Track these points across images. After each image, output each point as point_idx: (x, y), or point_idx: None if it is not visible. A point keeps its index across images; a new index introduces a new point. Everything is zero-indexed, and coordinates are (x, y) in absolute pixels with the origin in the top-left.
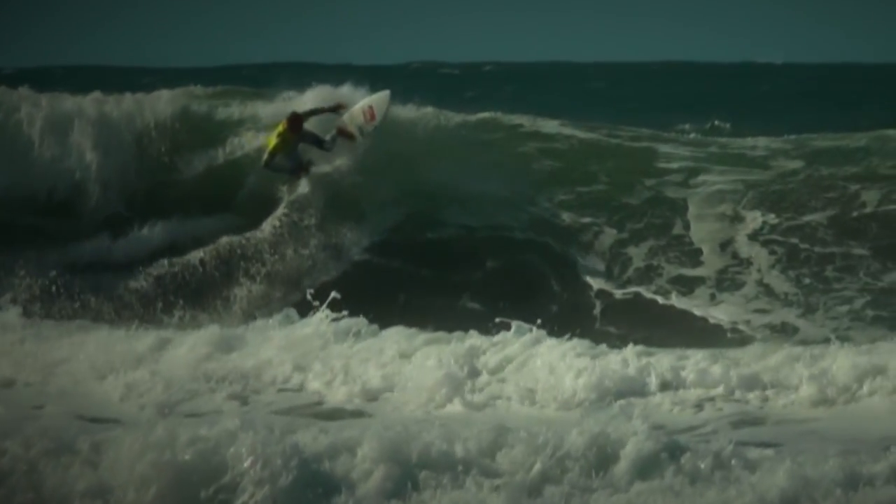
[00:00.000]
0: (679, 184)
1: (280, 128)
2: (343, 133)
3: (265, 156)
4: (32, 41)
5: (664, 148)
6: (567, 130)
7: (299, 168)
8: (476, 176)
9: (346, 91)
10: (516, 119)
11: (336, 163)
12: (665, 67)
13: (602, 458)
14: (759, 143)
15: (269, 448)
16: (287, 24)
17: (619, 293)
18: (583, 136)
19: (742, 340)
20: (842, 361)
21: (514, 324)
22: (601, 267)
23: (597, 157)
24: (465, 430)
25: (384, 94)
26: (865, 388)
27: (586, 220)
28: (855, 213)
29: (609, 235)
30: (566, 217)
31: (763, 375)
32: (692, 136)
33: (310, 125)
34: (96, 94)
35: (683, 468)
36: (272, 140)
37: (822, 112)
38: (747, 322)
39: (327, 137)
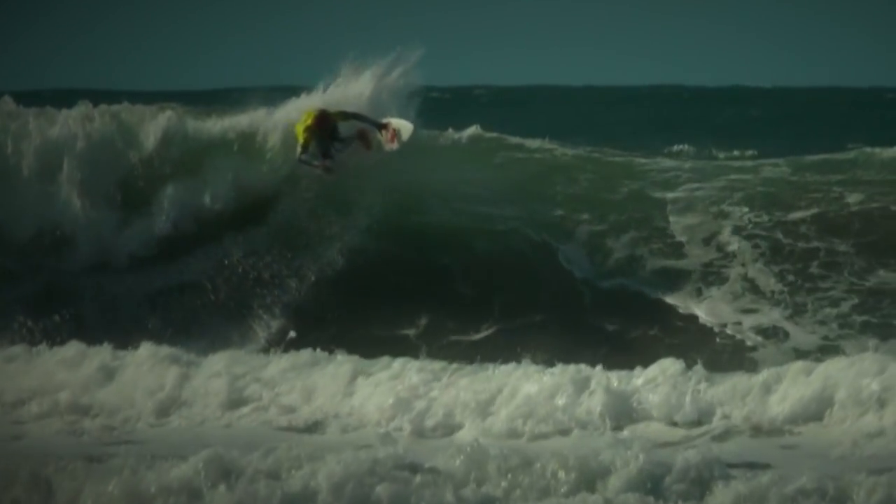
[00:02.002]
0: (662, 184)
1: (308, 122)
2: (362, 139)
3: (298, 150)
4: (21, 64)
5: (650, 160)
6: (549, 145)
7: (325, 156)
8: (461, 179)
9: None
10: (504, 137)
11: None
12: (654, 91)
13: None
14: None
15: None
16: (277, 48)
17: (605, 285)
18: (569, 151)
19: (735, 347)
20: (793, 392)
21: (469, 368)
22: (586, 259)
23: (581, 166)
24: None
25: (410, 125)
26: (824, 420)
27: (573, 215)
28: (842, 212)
29: (594, 230)
30: (550, 213)
31: (716, 408)
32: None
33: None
34: (84, 108)
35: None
36: (300, 135)
37: (812, 134)
38: (738, 324)
39: (345, 138)
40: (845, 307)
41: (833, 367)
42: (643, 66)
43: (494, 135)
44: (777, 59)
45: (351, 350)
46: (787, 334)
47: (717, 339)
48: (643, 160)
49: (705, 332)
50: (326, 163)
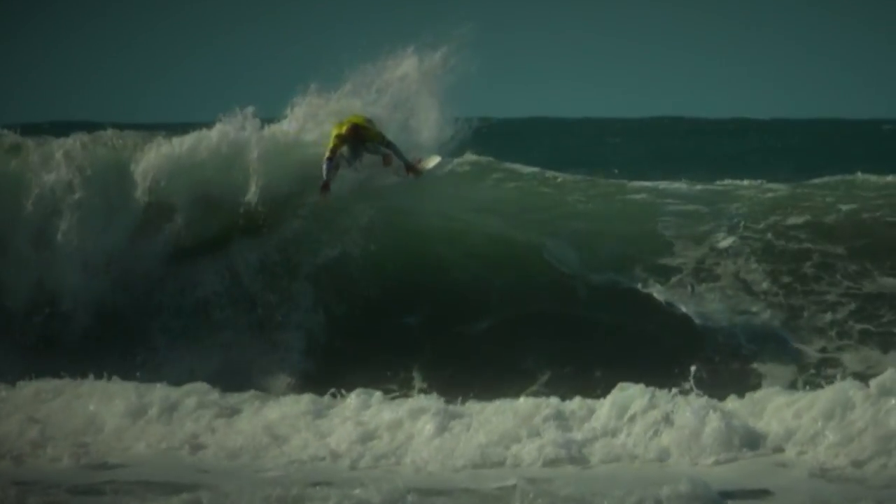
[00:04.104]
0: (657, 193)
1: (342, 129)
2: (386, 160)
3: (326, 153)
4: (19, 97)
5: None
6: (538, 169)
7: (354, 159)
8: (454, 194)
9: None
10: (497, 162)
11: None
12: (654, 123)
13: None
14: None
15: None
16: (276, 80)
17: (596, 283)
18: (562, 174)
19: (731, 352)
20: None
21: (426, 402)
22: (577, 258)
23: (574, 184)
24: None
25: (438, 158)
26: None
27: (566, 222)
28: (837, 218)
29: (585, 231)
30: (542, 218)
31: (677, 443)
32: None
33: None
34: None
35: None
36: (332, 139)
37: (811, 166)
38: (733, 326)
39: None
40: (841, 313)
41: (789, 412)
42: (642, 99)
43: (490, 159)
44: (775, 92)
45: (352, 342)
46: (783, 341)
47: (712, 346)
48: (638, 181)
49: (699, 337)
50: (329, 180)
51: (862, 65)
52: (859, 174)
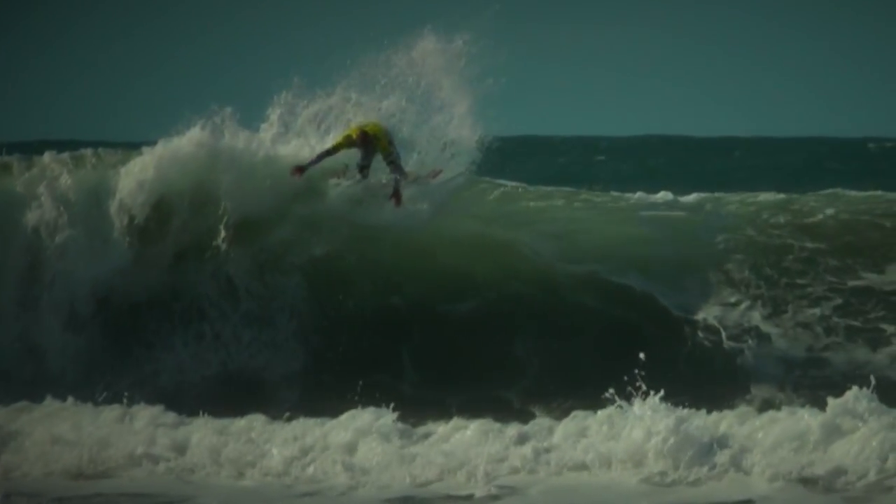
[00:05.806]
0: (640, 200)
1: (355, 133)
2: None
3: (327, 146)
4: (11, 114)
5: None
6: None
7: (363, 168)
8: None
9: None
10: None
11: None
12: (642, 141)
13: None
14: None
15: None
16: (267, 82)
17: (580, 273)
18: (545, 187)
19: (714, 348)
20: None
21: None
22: (561, 251)
23: (556, 193)
24: None
25: (461, 172)
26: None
27: (549, 226)
28: (819, 218)
29: (566, 228)
30: (526, 218)
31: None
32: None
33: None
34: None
35: None
36: (341, 137)
37: (799, 183)
38: (717, 319)
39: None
40: (826, 308)
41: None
42: (629, 117)
43: (473, 176)
44: (761, 110)
45: (345, 338)
46: (767, 337)
47: (694, 341)
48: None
49: (683, 332)
50: (307, 167)
51: (848, 84)
52: (840, 189)
